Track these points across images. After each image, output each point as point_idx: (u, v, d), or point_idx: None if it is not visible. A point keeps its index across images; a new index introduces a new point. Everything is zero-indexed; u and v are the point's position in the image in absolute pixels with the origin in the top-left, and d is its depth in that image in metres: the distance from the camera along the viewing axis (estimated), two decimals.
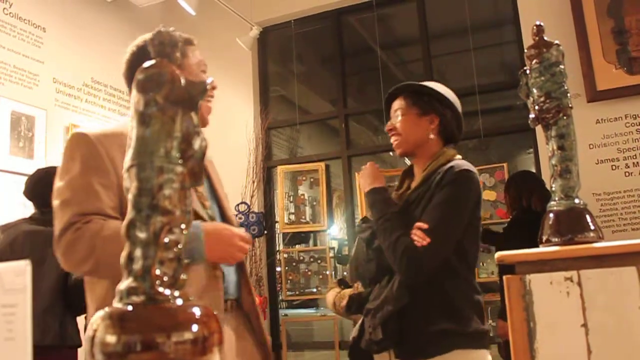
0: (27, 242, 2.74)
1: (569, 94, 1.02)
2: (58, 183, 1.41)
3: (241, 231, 1.48)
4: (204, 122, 1.54)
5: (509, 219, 3.30)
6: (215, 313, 0.56)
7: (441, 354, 1.62)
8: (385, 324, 1.68)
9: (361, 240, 1.87)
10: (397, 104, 1.88)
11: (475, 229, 1.76)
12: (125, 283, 0.53)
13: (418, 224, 1.67)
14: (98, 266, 1.32)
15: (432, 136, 1.82)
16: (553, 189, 1.03)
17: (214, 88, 1.45)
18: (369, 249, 1.83)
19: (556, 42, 1.03)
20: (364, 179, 1.90)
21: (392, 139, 1.88)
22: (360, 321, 1.85)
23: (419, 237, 1.64)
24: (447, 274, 1.68)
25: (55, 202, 1.39)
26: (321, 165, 4.62)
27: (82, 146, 1.40)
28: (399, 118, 1.86)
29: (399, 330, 1.67)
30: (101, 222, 1.33)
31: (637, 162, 3.29)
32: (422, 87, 1.86)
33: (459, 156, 1.83)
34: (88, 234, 1.31)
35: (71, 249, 1.32)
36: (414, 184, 1.85)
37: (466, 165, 1.74)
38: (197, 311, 0.54)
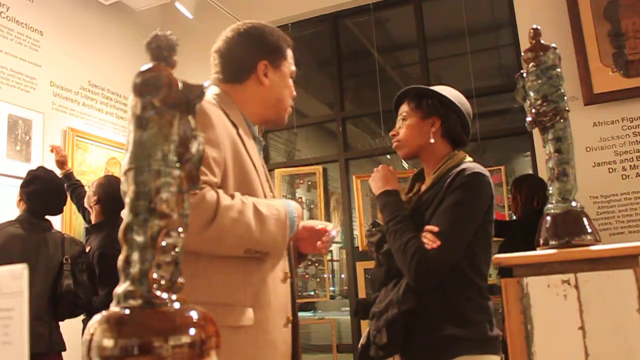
0: (18, 246, 2.74)
1: (565, 97, 1.02)
2: None
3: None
4: (284, 114, 1.68)
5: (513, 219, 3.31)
6: (212, 318, 0.56)
7: None
8: (389, 327, 1.65)
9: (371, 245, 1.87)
10: (402, 108, 1.89)
11: (486, 233, 1.73)
12: (122, 287, 0.53)
13: (428, 227, 1.66)
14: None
15: (432, 140, 1.81)
16: (550, 192, 1.03)
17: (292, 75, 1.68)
18: (378, 253, 1.81)
19: (553, 45, 1.03)
20: (376, 182, 1.87)
21: (393, 144, 1.89)
22: (368, 328, 1.82)
23: (429, 240, 1.63)
24: (455, 278, 1.65)
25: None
26: (319, 169, 4.62)
27: None
28: (401, 122, 1.87)
29: (405, 334, 1.65)
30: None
31: (634, 165, 3.30)
32: (425, 90, 1.86)
33: (469, 159, 1.82)
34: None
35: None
36: (423, 187, 1.84)
37: (478, 168, 1.73)
38: (194, 315, 0.54)
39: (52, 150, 3.65)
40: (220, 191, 1.34)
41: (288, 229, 1.44)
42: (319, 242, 1.62)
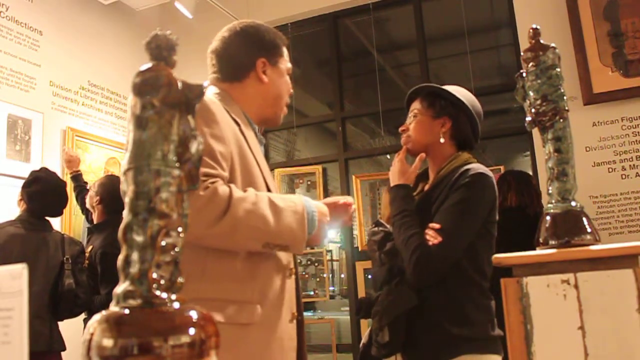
0: (18, 246, 2.75)
1: (565, 97, 1.02)
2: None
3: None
4: (280, 113, 1.69)
5: None
6: (212, 317, 0.56)
7: (449, 359, 1.61)
8: (392, 325, 1.67)
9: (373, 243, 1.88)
10: (414, 105, 1.91)
11: (489, 233, 1.75)
12: (122, 286, 0.53)
13: (431, 224, 1.68)
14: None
15: (442, 140, 1.83)
16: (550, 191, 1.03)
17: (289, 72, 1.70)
18: (381, 252, 1.83)
19: (552, 45, 1.03)
20: (392, 175, 1.89)
21: (403, 138, 1.91)
22: (370, 328, 1.84)
23: (431, 236, 1.65)
24: (457, 277, 1.67)
25: None
26: (318, 168, 4.62)
27: None
28: (412, 119, 1.89)
29: (406, 333, 1.66)
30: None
31: (634, 165, 3.30)
32: (439, 90, 1.87)
33: (474, 160, 1.84)
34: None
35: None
36: (427, 186, 1.86)
37: (481, 168, 1.75)
38: (194, 314, 0.54)
39: (65, 153, 3.73)
40: (233, 185, 1.34)
41: (307, 222, 1.41)
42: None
